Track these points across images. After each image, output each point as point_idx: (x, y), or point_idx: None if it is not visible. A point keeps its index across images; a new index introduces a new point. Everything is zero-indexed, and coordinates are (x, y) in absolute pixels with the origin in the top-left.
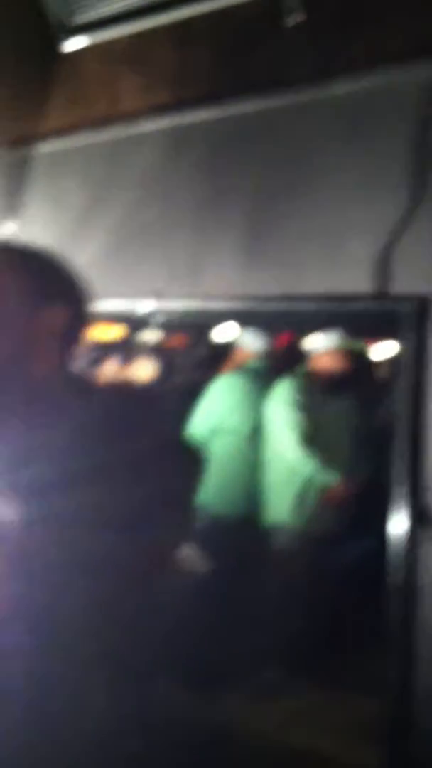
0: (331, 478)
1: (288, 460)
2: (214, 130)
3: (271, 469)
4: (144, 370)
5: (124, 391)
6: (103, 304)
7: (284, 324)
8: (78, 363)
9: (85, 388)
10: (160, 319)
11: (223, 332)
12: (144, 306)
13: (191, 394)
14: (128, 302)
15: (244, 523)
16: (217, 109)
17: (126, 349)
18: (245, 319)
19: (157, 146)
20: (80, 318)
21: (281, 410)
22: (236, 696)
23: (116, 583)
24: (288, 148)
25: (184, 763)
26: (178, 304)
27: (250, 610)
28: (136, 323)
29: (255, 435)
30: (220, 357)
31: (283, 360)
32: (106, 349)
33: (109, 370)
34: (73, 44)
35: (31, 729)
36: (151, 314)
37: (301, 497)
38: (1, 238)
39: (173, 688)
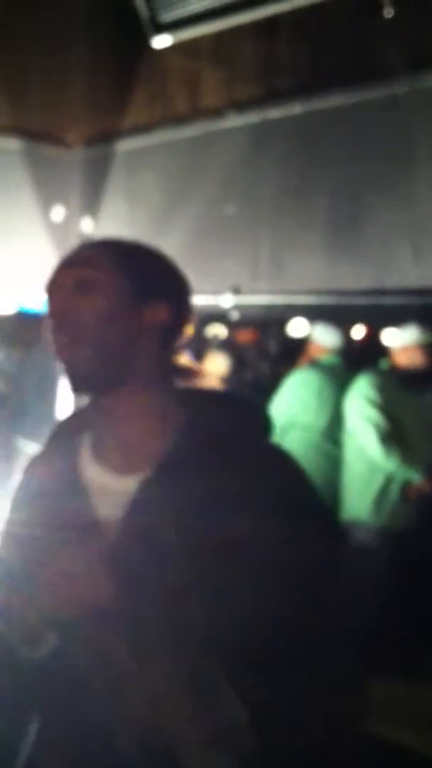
0: (412, 474)
1: (368, 456)
2: (300, 125)
3: (350, 465)
4: (216, 365)
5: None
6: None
7: (366, 318)
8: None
9: (186, 395)
10: (236, 314)
11: (298, 327)
12: (222, 301)
13: (265, 389)
14: (206, 298)
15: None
16: (303, 103)
17: (198, 344)
18: (326, 313)
19: (240, 141)
20: (181, 314)
21: (361, 406)
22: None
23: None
24: (375, 141)
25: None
26: (258, 299)
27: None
28: (209, 318)
29: (330, 430)
30: (294, 352)
31: (362, 355)
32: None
33: (182, 364)
34: (158, 42)
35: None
36: (229, 310)
37: (382, 494)
38: (103, 235)
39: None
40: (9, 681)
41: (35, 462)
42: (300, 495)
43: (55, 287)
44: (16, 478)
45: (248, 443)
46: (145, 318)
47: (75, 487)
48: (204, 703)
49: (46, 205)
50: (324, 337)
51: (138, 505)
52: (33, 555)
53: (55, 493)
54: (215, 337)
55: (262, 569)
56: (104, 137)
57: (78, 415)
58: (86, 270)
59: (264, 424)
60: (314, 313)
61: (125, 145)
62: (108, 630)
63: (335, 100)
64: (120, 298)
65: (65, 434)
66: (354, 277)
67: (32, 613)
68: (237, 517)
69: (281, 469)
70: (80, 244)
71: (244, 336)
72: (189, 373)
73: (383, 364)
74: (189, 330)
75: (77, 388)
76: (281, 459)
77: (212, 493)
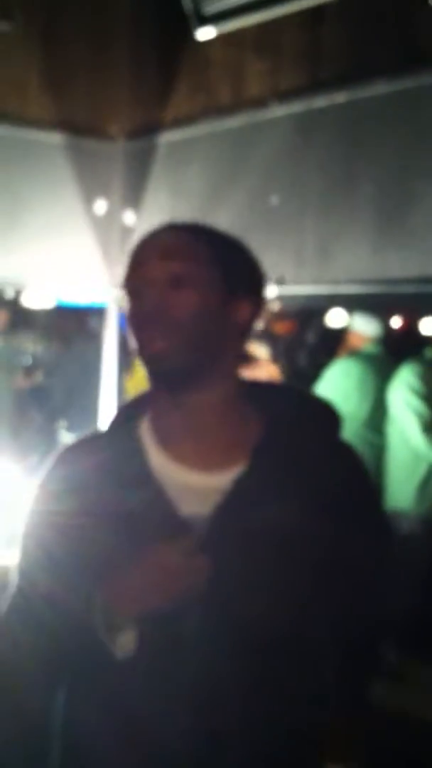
0: None
1: (412, 445)
2: (345, 113)
3: (394, 454)
4: (260, 354)
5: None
6: None
7: (411, 307)
8: None
9: (258, 389)
10: (277, 304)
11: (337, 317)
12: (266, 292)
13: (302, 379)
14: None
15: None
16: (349, 91)
17: None
18: (370, 302)
19: (285, 131)
20: (260, 307)
21: (404, 395)
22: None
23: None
24: (422, 128)
25: None
26: (302, 289)
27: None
28: None
29: (372, 420)
30: (332, 342)
31: (406, 344)
32: None
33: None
34: (201, 34)
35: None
36: (273, 300)
37: (426, 482)
38: (193, 225)
39: None
40: (91, 676)
41: (79, 452)
42: (368, 493)
43: (147, 281)
44: (53, 467)
45: (325, 439)
46: (232, 312)
47: (146, 481)
48: (293, 699)
49: (88, 198)
50: (364, 327)
51: (233, 500)
52: (101, 546)
53: (120, 484)
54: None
55: (342, 565)
56: (147, 129)
57: (131, 406)
58: (181, 263)
59: (336, 420)
60: (359, 303)
61: (168, 137)
62: (198, 624)
63: (381, 87)
64: (212, 292)
65: (119, 426)
66: (400, 265)
67: (117, 607)
68: (320, 513)
69: (354, 466)
70: (167, 230)
71: (282, 326)
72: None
73: (428, 353)
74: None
75: (162, 382)
76: (353, 456)
77: (299, 488)
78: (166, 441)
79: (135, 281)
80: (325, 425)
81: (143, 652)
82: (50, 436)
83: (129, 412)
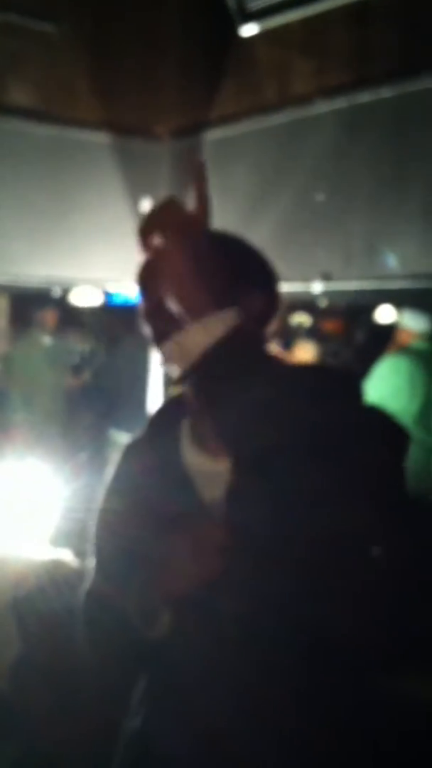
0: None
1: None
2: (394, 109)
3: None
4: (306, 354)
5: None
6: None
7: None
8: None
9: (274, 373)
10: (324, 301)
11: (386, 314)
12: (312, 288)
13: (356, 376)
14: (296, 285)
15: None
16: (397, 87)
17: (285, 333)
18: (418, 298)
19: (332, 128)
20: (273, 303)
21: None
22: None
23: (330, 562)
24: None
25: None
26: (349, 285)
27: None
28: (292, 307)
29: (423, 417)
30: (382, 339)
31: None
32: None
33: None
34: (246, 30)
35: (232, 706)
36: (318, 296)
37: None
38: (203, 226)
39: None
40: (125, 657)
41: (133, 451)
42: (389, 464)
43: (155, 276)
44: (112, 467)
45: (339, 412)
46: (242, 306)
47: (178, 472)
48: (319, 684)
49: (134, 197)
50: (413, 323)
51: (236, 483)
52: (145, 539)
53: (161, 480)
54: (300, 326)
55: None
56: (193, 128)
57: (175, 403)
58: (157, 252)
59: (356, 389)
60: (406, 298)
61: (214, 135)
62: (224, 607)
63: (427, 82)
64: (218, 286)
65: (164, 422)
66: None
67: (150, 593)
68: (331, 485)
69: (372, 433)
70: (176, 229)
71: (330, 324)
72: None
73: None
74: (279, 319)
75: (176, 368)
76: (373, 422)
77: (304, 463)
78: (195, 431)
79: (144, 278)
80: (331, 390)
81: (180, 634)
82: (99, 436)
83: (174, 409)
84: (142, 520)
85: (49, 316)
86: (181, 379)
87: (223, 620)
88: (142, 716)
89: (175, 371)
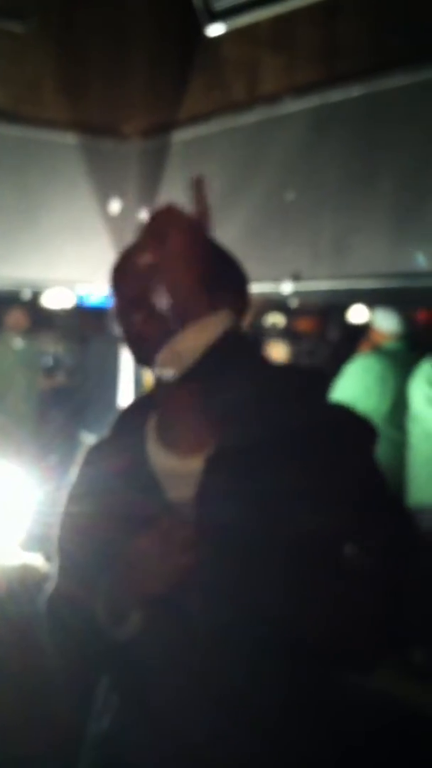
0: None
1: None
2: (362, 107)
3: (416, 450)
4: (277, 354)
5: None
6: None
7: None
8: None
9: (245, 372)
10: (296, 301)
11: (359, 313)
12: (282, 288)
13: (327, 377)
14: (266, 285)
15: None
16: (367, 85)
17: (256, 334)
18: (389, 297)
19: (302, 126)
20: (242, 303)
21: (425, 390)
22: (388, 674)
23: (306, 562)
24: None
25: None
26: (318, 285)
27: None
28: (268, 307)
29: (393, 416)
30: (355, 338)
31: (426, 339)
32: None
33: None
34: (213, 30)
35: (204, 701)
36: (288, 297)
37: None
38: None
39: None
40: (92, 658)
41: (97, 452)
42: (348, 447)
43: (127, 270)
44: (75, 468)
45: (307, 407)
46: (229, 305)
47: (143, 472)
48: (290, 678)
49: (103, 197)
50: (385, 323)
51: (206, 482)
52: (112, 540)
53: (126, 481)
54: (274, 326)
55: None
56: (161, 128)
57: (141, 403)
58: (159, 254)
59: (325, 388)
60: (377, 298)
61: (183, 135)
62: (194, 604)
63: (397, 80)
64: (190, 284)
65: (128, 424)
66: (418, 260)
67: (119, 593)
68: (302, 483)
69: (343, 431)
70: (148, 227)
71: (304, 324)
72: None
73: None
74: (248, 320)
75: (143, 360)
76: (343, 420)
77: (277, 462)
78: (160, 430)
79: (117, 271)
80: (303, 389)
81: (150, 634)
82: (70, 437)
83: (138, 409)
84: (108, 520)
85: (21, 318)
86: (174, 382)
87: (193, 620)
88: (108, 718)
89: (169, 375)
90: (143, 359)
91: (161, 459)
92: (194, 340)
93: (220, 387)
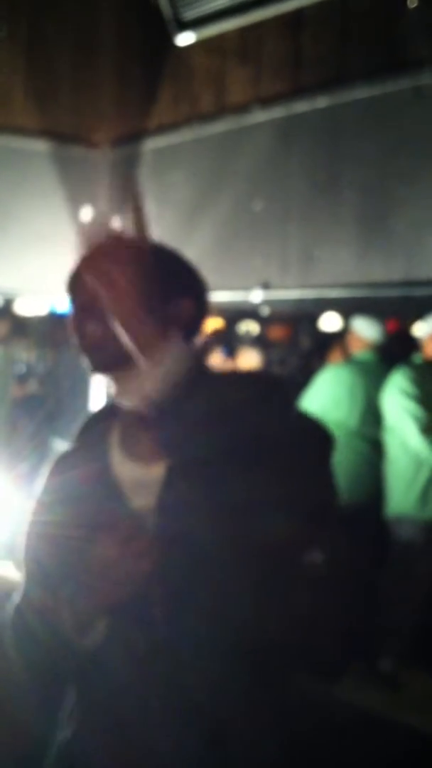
0: None
1: (411, 450)
2: (327, 118)
3: (394, 461)
4: (249, 362)
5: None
6: (211, 297)
7: (398, 311)
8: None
9: (206, 380)
10: (267, 310)
11: (331, 321)
12: (252, 297)
13: (297, 385)
14: (236, 294)
15: (351, 513)
16: (330, 96)
17: (230, 341)
18: (356, 306)
19: (268, 137)
20: (201, 310)
21: (399, 400)
22: (357, 683)
23: (261, 569)
24: (404, 133)
25: (319, 749)
26: (287, 294)
27: (372, 600)
28: (240, 315)
29: (362, 428)
30: (326, 347)
31: (395, 349)
32: (208, 341)
33: (214, 361)
34: (181, 40)
35: (164, 707)
36: (259, 305)
37: (428, 486)
38: (125, 234)
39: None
40: (56, 667)
41: (62, 462)
42: (308, 457)
43: (82, 281)
44: (42, 478)
45: (266, 416)
46: (169, 313)
47: (107, 482)
48: (252, 686)
49: (74, 205)
50: (365, 330)
51: (167, 490)
52: (76, 548)
53: (92, 490)
54: (247, 334)
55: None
56: (131, 137)
57: (103, 413)
58: (113, 265)
59: (285, 396)
60: (345, 307)
61: (152, 144)
62: (157, 612)
63: (362, 92)
64: (146, 293)
65: (93, 433)
66: (384, 269)
67: (82, 602)
68: (259, 498)
69: (301, 440)
70: (103, 240)
71: (277, 332)
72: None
73: (417, 357)
74: (220, 327)
75: (99, 369)
76: (302, 428)
77: (237, 476)
78: (124, 439)
79: (72, 283)
80: (270, 402)
81: (113, 642)
82: (41, 445)
83: (100, 420)
84: (73, 529)
85: (2, 328)
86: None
87: (155, 628)
88: (72, 728)
89: (128, 404)
90: (97, 368)
91: (125, 468)
92: (150, 376)
93: (180, 410)
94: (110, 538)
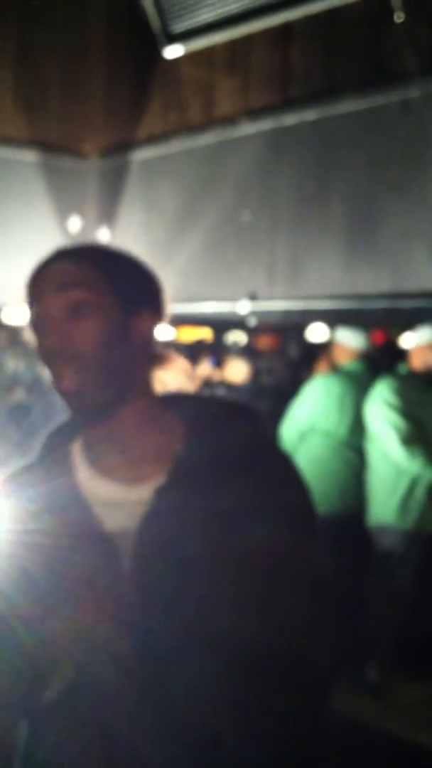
0: None
1: (392, 460)
2: (316, 131)
3: (375, 470)
4: (237, 372)
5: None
6: (199, 307)
7: (384, 322)
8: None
9: (177, 401)
10: (254, 320)
11: (318, 332)
12: (239, 307)
13: (284, 395)
14: (223, 304)
15: (341, 523)
16: (318, 109)
17: (217, 351)
18: (343, 317)
19: (255, 149)
20: (159, 317)
21: (381, 410)
22: (343, 691)
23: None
24: (391, 145)
25: (305, 756)
26: (274, 305)
27: (355, 609)
28: (228, 325)
29: (351, 437)
30: (314, 357)
31: (381, 358)
32: (197, 352)
33: (202, 371)
34: (169, 52)
35: (147, 729)
36: (246, 316)
37: (408, 497)
38: (88, 243)
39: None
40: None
41: (25, 475)
42: (301, 503)
43: (46, 316)
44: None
45: (252, 447)
46: (133, 328)
47: (75, 499)
48: (234, 714)
49: (62, 216)
50: (350, 340)
51: (155, 512)
52: (44, 569)
53: (54, 506)
54: (235, 344)
55: (270, 569)
56: (120, 147)
57: (63, 429)
58: (76, 291)
59: (257, 422)
60: (332, 318)
61: (141, 155)
62: (133, 643)
63: (349, 105)
64: (112, 314)
65: (54, 448)
66: (372, 281)
67: (50, 644)
68: (248, 521)
69: (285, 475)
70: (56, 259)
71: (264, 342)
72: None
73: (402, 368)
74: (208, 337)
75: (80, 416)
76: (283, 463)
77: (225, 497)
78: (93, 458)
79: (35, 318)
80: (245, 429)
81: (87, 677)
82: (28, 454)
83: (62, 434)
84: (36, 555)
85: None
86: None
87: (126, 660)
88: (52, 739)
89: (89, 416)
90: (55, 379)
91: (95, 485)
92: (129, 421)
93: (152, 426)
94: (95, 564)
